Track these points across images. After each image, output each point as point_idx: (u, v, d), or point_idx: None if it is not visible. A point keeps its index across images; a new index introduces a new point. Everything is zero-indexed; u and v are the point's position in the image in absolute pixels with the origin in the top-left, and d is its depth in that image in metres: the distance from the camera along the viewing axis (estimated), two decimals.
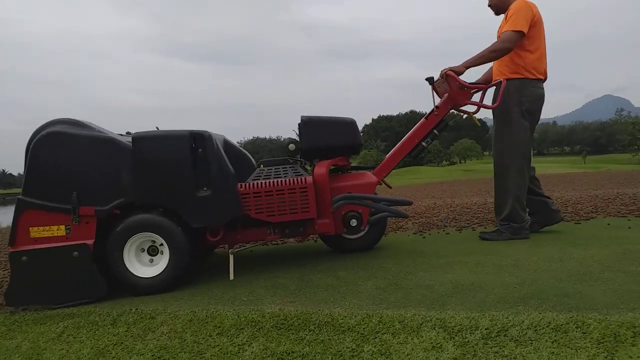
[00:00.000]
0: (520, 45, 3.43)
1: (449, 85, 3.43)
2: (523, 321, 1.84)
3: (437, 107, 3.50)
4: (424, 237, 4.01)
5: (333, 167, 3.43)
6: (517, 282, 2.40)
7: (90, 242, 2.78)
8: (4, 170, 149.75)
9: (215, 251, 4.11)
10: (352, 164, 3.57)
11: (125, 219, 2.85)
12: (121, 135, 3.14)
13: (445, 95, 3.52)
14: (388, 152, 3.62)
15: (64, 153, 2.82)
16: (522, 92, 3.48)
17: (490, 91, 3.64)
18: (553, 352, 1.63)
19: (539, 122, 3.80)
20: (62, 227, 2.79)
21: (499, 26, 3.69)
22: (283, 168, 3.33)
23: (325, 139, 3.34)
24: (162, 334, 2.09)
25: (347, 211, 3.27)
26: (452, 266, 2.85)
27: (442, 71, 3.45)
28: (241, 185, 3.00)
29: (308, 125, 3.35)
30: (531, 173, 3.67)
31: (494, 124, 3.69)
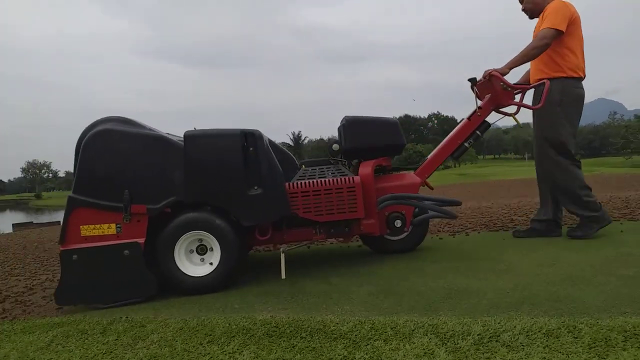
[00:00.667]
0: (560, 44, 3.43)
1: (492, 85, 3.44)
2: (515, 326, 1.84)
3: (479, 107, 3.50)
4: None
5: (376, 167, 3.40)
6: (510, 287, 2.40)
7: (141, 240, 2.78)
8: None
9: None
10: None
11: (176, 218, 2.83)
12: (168, 134, 3.13)
13: (488, 95, 3.52)
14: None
15: (115, 151, 2.81)
16: (563, 92, 3.46)
17: (529, 92, 3.64)
18: (544, 358, 1.62)
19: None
20: (113, 225, 2.78)
21: (534, 29, 3.68)
22: (327, 168, 3.32)
23: (369, 139, 3.35)
24: (153, 342, 2.07)
25: (390, 212, 3.27)
26: (444, 271, 2.85)
27: (485, 72, 3.46)
28: (289, 184, 3.01)
29: (352, 125, 3.36)
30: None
31: (535, 124, 3.64)
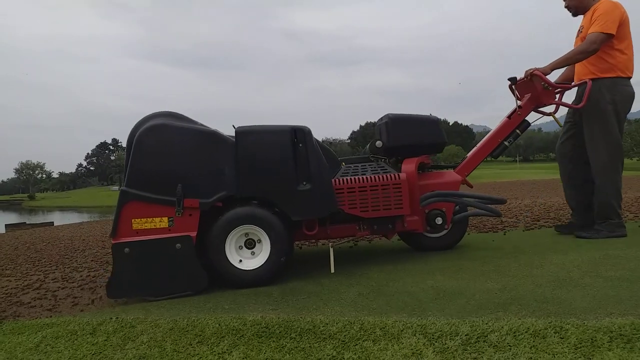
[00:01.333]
0: (610, 45, 3.43)
1: (533, 85, 3.45)
2: (502, 327, 1.85)
3: (519, 106, 3.52)
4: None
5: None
6: (498, 287, 2.42)
7: (193, 234, 2.80)
8: None
9: None
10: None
11: (227, 212, 2.87)
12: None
13: (528, 95, 3.53)
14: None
15: (168, 145, 2.85)
16: (614, 91, 3.47)
17: (569, 92, 3.66)
18: (531, 358, 1.64)
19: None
20: (165, 219, 2.81)
21: (579, 27, 3.68)
22: (369, 165, 3.34)
23: (412, 137, 3.38)
24: (142, 343, 2.07)
25: (430, 209, 3.28)
26: (434, 272, 2.86)
27: (527, 71, 3.47)
28: (335, 180, 3.05)
29: (395, 122, 3.39)
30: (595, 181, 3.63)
31: (585, 124, 3.62)
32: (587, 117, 3.58)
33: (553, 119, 3.65)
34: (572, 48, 3.61)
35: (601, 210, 3.58)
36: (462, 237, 3.59)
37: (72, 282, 3.49)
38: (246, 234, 2.92)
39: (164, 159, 2.85)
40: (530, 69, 3.44)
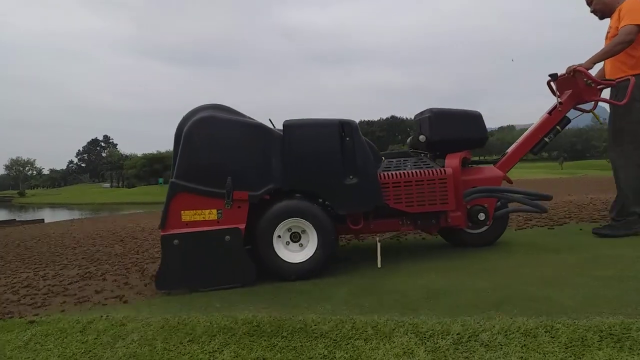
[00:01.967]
0: (637, 41, 3.44)
1: (575, 81, 3.45)
2: (494, 326, 1.86)
3: (560, 102, 3.50)
4: (400, 242, 4.03)
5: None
6: (490, 287, 2.43)
7: (242, 226, 2.81)
8: None
9: None
10: None
11: (275, 205, 2.89)
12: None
13: (569, 91, 3.53)
14: None
15: (217, 137, 2.87)
16: None
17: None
18: (522, 357, 1.65)
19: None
20: (214, 211, 2.82)
21: (607, 29, 3.70)
22: (411, 160, 3.34)
23: (455, 132, 3.37)
24: (132, 341, 2.06)
25: (473, 205, 3.27)
26: (426, 271, 2.87)
27: (569, 68, 3.47)
28: (380, 174, 3.06)
29: (439, 117, 3.38)
30: None
31: (612, 120, 3.64)
32: (614, 114, 3.61)
33: (593, 115, 3.67)
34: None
35: (619, 207, 3.60)
36: (502, 233, 3.56)
37: (62, 280, 3.46)
38: (289, 229, 2.94)
39: (214, 152, 2.86)
40: (572, 66, 3.46)
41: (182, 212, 2.80)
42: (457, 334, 1.82)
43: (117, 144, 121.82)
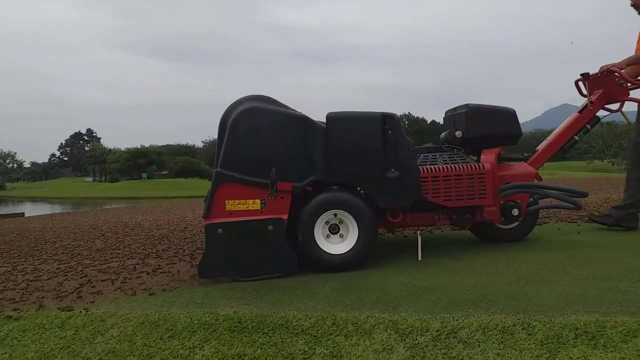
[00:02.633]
0: None
1: (607, 81, 3.50)
2: (472, 323, 1.88)
3: (591, 102, 3.55)
4: (382, 239, 4.05)
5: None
6: (469, 284, 2.46)
7: (284, 216, 2.84)
8: None
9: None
10: None
11: (317, 196, 2.91)
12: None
13: (599, 91, 3.57)
14: None
15: (262, 128, 2.89)
16: None
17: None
18: (499, 354, 1.67)
19: None
20: (258, 201, 2.84)
21: None
22: (448, 155, 3.35)
23: (492, 128, 3.39)
24: (112, 337, 2.04)
25: (506, 200, 3.29)
26: (407, 268, 2.89)
27: (602, 67, 3.51)
28: (420, 169, 3.08)
29: (477, 113, 3.40)
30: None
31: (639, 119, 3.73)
32: None
33: (622, 114, 3.74)
34: (635, 46, 3.71)
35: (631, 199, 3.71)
36: (532, 229, 3.62)
37: (42, 275, 3.42)
38: (327, 222, 2.96)
39: (258, 142, 2.89)
40: (606, 65, 3.52)
41: (226, 201, 2.83)
42: (436, 331, 1.85)
43: (100, 138, 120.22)
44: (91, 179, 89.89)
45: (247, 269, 2.83)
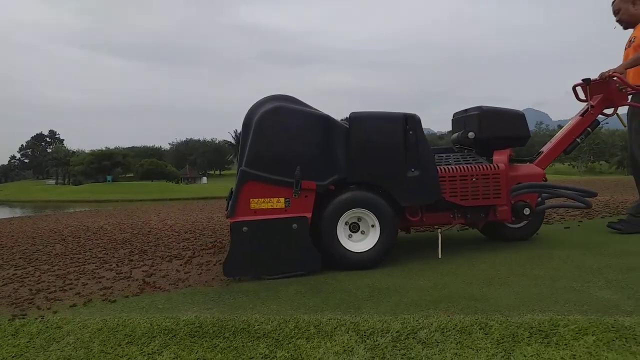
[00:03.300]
0: None
1: (608, 86, 3.63)
2: (432, 324, 1.91)
3: (592, 106, 3.67)
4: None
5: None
6: (430, 285, 2.49)
7: (308, 215, 2.87)
8: None
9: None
10: None
11: (340, 195, 2.95)
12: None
13: (599, 96, 3.70)
14: None
15: (288, 127, 2.92)
16: None
17: None
18: (456, 353, 1.71)
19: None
20: (282, 199, 2.87)
21: (630, 38, 3.91)
22: (460, 155, 3.38)
23: (503, 130, 3.46)
24: (68, 344, 1.99)
25: (516, 200, 3.34)
26: (371, 270, 2.92)
27: (604, 73, 3.62)
28: (438, 168, 3.13)
29: (489, 115, 3.46)
30: None
31: (634, 125, 3.83)
32: (635, 121, 3.83)
33: (617, 118, 3.88)
34: (622, 56, 3.90)
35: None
36: (539, 228, 3.71)
37: None
38: (346, 222, 3.00)
39: (283, 141, 2.91)
40: (607, 71, 3.65)
41: (251, 199, 2.84)
42: (397, 332, 1.87)
43: (63, 140, 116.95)
44: (54, 181, 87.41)
45: (271, 267, 2.87)
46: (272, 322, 2.04)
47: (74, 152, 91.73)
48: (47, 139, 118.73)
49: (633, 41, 3.91)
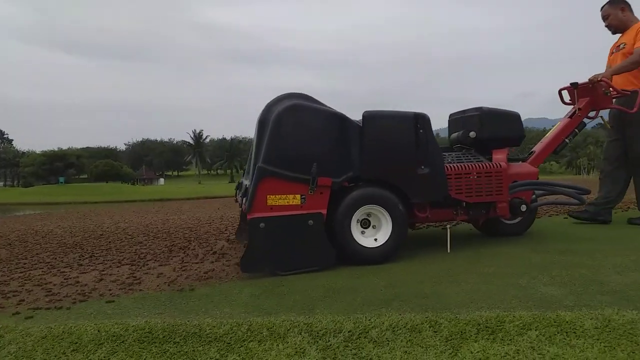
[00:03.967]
0: None
1: (595, 90, 3.80)
2: (383, 322, 1.93)
3: (579, 108, 3.85)
4: None
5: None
6: (384, 284, 2.53)
7: (324, 211, 2.93)
8: None
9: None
10: None
11: (353, 192, 3.03)
12: None
13: (585, 99, 3.87)
14: None
15: (304, 125, 2.98)
16: None
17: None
18: (406, 352, 1.73)
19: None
20: (298, 196, 2.92)
21: (619, 43, 4.11)
22: (461, 154, 3.47)
23: (502, 130, 3.61)
24: (9, 353, 1.91)
25: (513, 197, 3.45)
26: (325, 271, 2.93)
27: (593, 77, 3.80)
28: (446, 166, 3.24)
29: (489, 116, 3.60)
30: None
31: (629, 128, 4.05)
32: (632, 123, 4.02)
33: (602, 120, 4.11)
34: (607, 61, 4.19)
35: None
36: (532, 224, 3.87)
37: None
38: (357, 218, 3.06)
39: (300, 139, 2.97)
40: (596, 76, 3.84)
41: (268, 196, 2.88)
42: (349, 332, 1.88)
43: (12, 140, 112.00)
44: (2, 183, 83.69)
45: (287, 262, 2.91)
46: (224, 325, 2.01)
47: (24, 152, 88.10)
48: None
49: (622, 47, 4.14)
